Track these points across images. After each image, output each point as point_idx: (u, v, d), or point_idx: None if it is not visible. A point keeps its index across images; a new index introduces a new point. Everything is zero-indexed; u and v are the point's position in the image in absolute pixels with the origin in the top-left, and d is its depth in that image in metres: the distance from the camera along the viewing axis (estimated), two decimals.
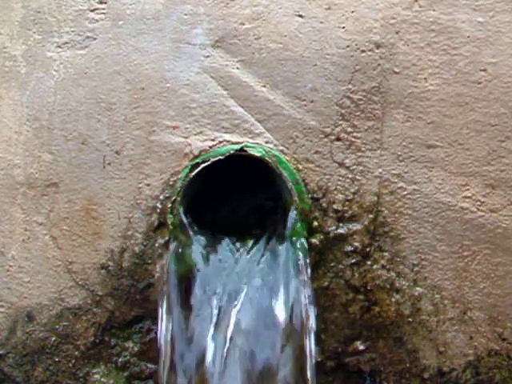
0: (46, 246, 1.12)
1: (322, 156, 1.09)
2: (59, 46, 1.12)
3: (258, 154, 1.03)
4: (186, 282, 1.01)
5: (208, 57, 1.10)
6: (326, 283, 1.09)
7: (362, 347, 1.10)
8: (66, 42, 1.12)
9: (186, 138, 1.10)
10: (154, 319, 1.09)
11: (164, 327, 0.98)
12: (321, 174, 1.09)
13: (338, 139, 1.08)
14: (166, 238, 1.09)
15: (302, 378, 0.95)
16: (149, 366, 1.12)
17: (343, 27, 1.08)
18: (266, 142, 1.09)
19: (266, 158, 1.03)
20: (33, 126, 1.12)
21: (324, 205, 1.08)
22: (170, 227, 1.05)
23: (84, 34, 1.12)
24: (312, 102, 1.08)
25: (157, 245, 1.10)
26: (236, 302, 0.98)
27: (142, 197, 1.11)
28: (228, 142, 1.09)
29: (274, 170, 1.03)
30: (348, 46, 1.08)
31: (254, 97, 1.09)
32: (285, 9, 1.09)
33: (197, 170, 1.03)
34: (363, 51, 1.08)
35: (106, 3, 1.12)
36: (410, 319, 1.09)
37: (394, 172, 1.08)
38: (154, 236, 1.10)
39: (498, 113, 1.06)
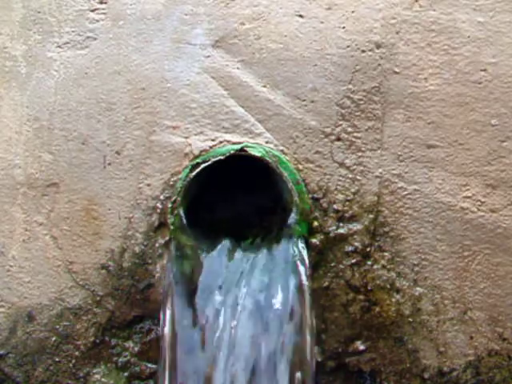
0: (47, 246, 1.12)
1: (322, 156, 1.09)
2: (59, 46, 1.12)
3: (259, 154, 1.03)
4: (186, 282, 1.01)
5: (208, 57, 1.10)
6: (326, 283, 1.09)
7: (362, 347, 1.10)
8: (67, 42, 1.12)
9: (186, 138, 1.10)
10: (155, 319, 1.09)
11: (166, 327, 0.98)
12: (321, 174, 1.09)
13: (339, 139, 1.08)
14: (167, 238, 1.09)
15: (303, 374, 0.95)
16: (149, 365, 1.12)
17: (343, 27, 1.08)
18: (267, 142, 1.09)
19: (267, 158, 1.03)
20: (33, 126, 1.12)
21: (324, 205, 1.08)
22: (171, 227, 1.05)
23: (84, 34, 1.12)
24: (312, 102, 1.08)
25: (157, 245, 1.10)
26: (237, 302, 0.98)
27: (143, 197, 1.11)
28: (228, 142, 1.09)
29: (275, 170, 1.03)
30: (348, 46, 1.08)
31: (254, 97, 1.09)
32: (285, 9, 1.09)
33: (197, 170, 1.03)
34: (363, 51, 1.08)
35: (106, 3, 1.12)
36: (410, 319, 1.09)
37: (394, 172, 1.08)
38: (155, 236, 1.10)
39: (499, 113, 1.06)
